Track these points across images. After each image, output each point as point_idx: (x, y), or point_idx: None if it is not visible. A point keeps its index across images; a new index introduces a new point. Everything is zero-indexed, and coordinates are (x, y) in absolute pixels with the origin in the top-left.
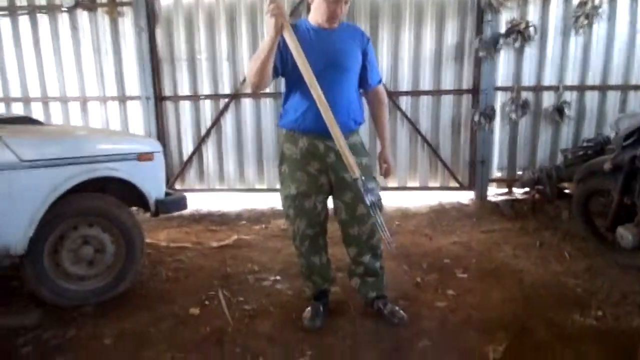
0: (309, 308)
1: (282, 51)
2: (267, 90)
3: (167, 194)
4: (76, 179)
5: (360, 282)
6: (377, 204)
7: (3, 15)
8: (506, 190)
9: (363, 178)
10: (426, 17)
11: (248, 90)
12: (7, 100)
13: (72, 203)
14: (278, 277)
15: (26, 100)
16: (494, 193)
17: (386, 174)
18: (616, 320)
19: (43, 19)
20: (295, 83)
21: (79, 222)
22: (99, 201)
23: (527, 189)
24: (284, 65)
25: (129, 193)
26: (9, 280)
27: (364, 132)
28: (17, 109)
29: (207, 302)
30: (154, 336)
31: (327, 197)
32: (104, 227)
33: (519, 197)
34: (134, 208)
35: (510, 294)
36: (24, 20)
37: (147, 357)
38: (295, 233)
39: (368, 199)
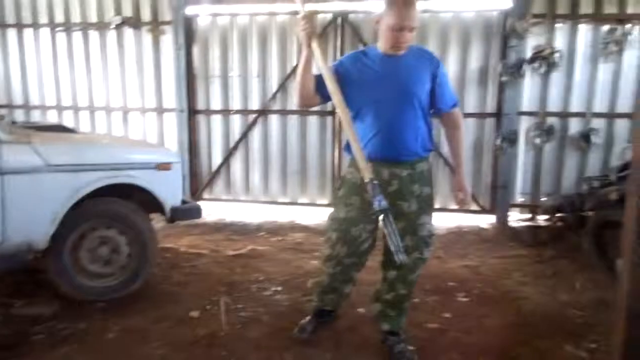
0: (305, 319)
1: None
2: (293, 107)
3: (183, 202)
4: (96, 184)
5: (380, 310)
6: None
7: (60, 31)
8: (529, 216)
9: (375, 182)
10: (450, 40)
11: (275, 107)
12: (59, 109)
13: (93, 206)
14: (279, 288)
15: (75, 109)
16: (516, 219)
17: (461, 203)
18: (608, 354)
19: (94, 36)
20: (358, 111)
21: (98, 223)
22: (117, 205)
23: (549, 216)
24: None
25: (148, 200)
26: (36, 273)
27: None
28: (68, 117)
29: (208, 307)
30: (153, 334)
31: (376, 229)
32: (121, 230)
33: (541, 224)
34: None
35: (506, 320)
36: (77, 36)
37: (141, 353)
38: (331, 256)
39: (376, 204)
